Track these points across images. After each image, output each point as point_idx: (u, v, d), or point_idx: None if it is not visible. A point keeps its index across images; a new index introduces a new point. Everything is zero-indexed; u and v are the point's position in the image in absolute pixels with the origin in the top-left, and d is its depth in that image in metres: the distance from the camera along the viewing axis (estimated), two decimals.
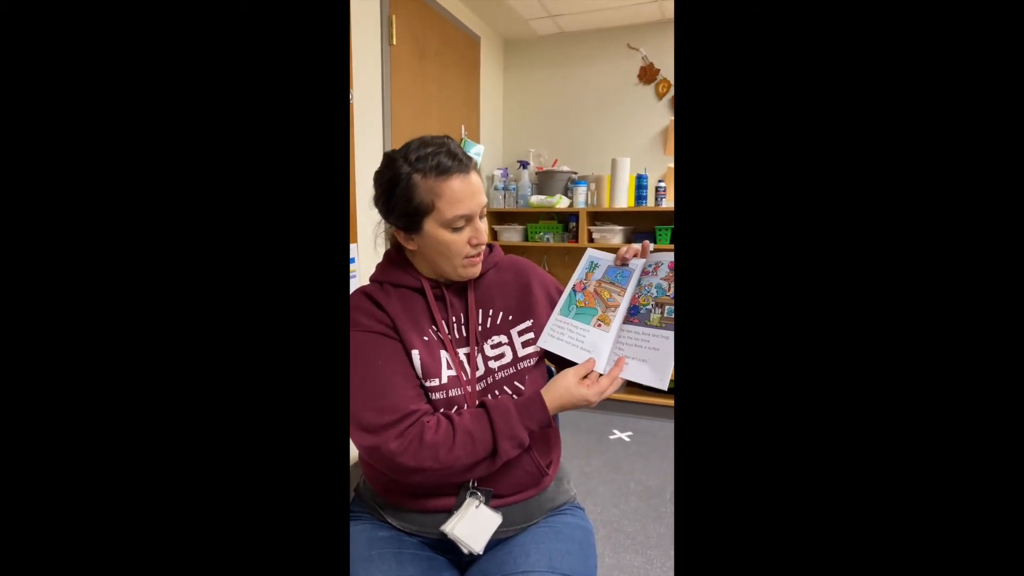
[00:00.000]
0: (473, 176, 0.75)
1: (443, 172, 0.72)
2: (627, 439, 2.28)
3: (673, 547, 1.51)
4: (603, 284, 0.81)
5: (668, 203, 2.56)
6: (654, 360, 0.71)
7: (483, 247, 0.79)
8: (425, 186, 0.73)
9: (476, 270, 0.80)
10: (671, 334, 0.71)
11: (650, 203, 2.61)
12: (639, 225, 2.73)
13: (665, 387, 0.69)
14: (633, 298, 0.78)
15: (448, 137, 0.77)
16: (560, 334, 0.79)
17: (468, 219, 0.75)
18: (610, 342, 0.76)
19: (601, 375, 0.75)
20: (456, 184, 0.73)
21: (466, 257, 0.77)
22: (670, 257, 0.76)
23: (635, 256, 0.81)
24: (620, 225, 2.63)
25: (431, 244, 0.76)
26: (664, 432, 2.35)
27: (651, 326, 0.73)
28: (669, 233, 2.54)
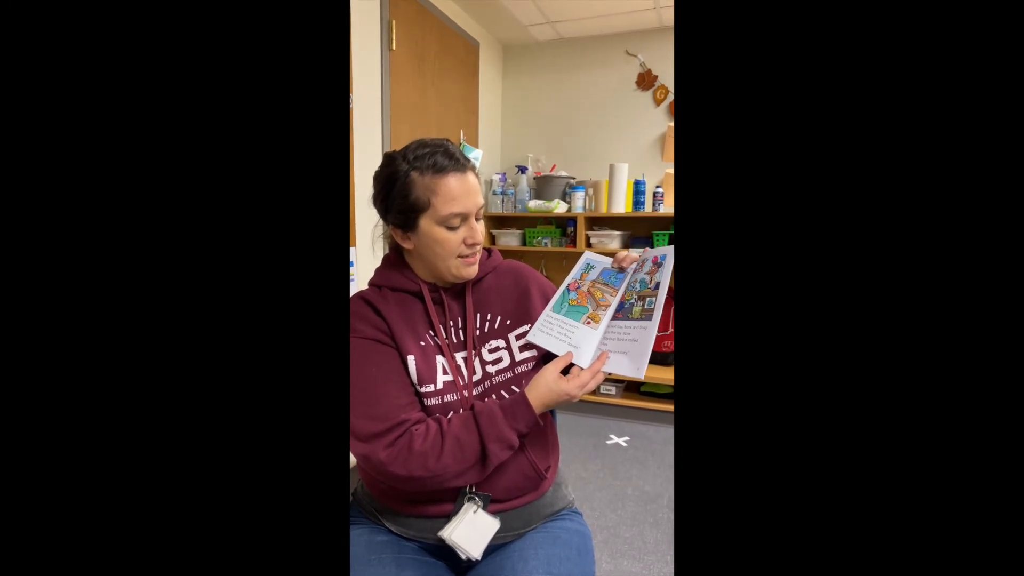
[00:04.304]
0: (470, 176, 0.76)
1: (440, 170, 0.74)
2: (624, 444, 2.28)
3: (670, 553, 1.52)
4: (597, 285, 0.82)
5: (666, 208, 2.57)
6: (633, 351, 0.72)
7: (479, 247, 0.80)
8: (422, 183, 0.74)
9: (472, 271, 0.80)
10: (648, 324, 0.71)
11: (648, 208, 2.62)
12: (636, 230, 2.74)
13: (641, 376, 0.70)
14: (622, 295, 0.79)
15: (447, 139, 0.78)
16: (549, 329, 0.80)
17: (464, 218, 0.76)
18: (597, 339, 0.76)
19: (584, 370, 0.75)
20: (452, 182, 0.74)
21: (461, 257, 0.78)
22: (654, 252, 0.78)
23: (632, 263, 0.81)
24: (618, 230, 2.63)
25: (426, 243, 0.77)
26: (661, 437, 2.35)
27: (632, 319, 0.74)
28: (666, 238, 2.55)
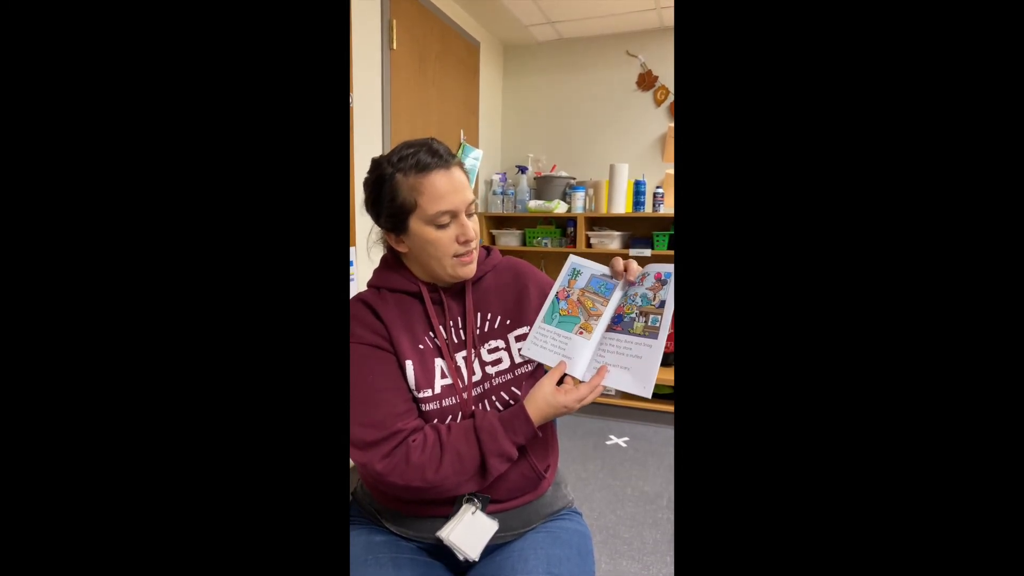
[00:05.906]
0: (455, 172, 0.75)
1: (423, 169, 0.73)
2: (623, 444, 2.28)
3: (670, 553, 1.52)
4: (586, 293, 0.81)
5: (666, 209, 2.57)
6: (636, 368, 0.72)
7: (473, 244, 0.78)
8: (407, 184, 0.73)
9: (469, 270, 0.79)
10: (654, 342, 0.71)
11: (648, 209, 2.62)
12: (636, 231, 2.74)
13: (648, 395, 0.69)
14: (618, 307, 0.78)
15: (432, 138, 0.77)
16: (543, 342, 0.79)
17: (453, 215, 0.75)
18: (591, 349, 0.76)
19: (580, 381, 0.74)
20: (437, 180, 0.73)
21: (455, 256, 0.76)
22: (657, 268, 0.77)
23: (634, 275, 0.79)
24: (618, 231, 2.63)
25: (418, 244, 0.76)
26: (660, 437, 2.35)
27: (634, 334, 0.74)
28: (666, 239, 2.55)
